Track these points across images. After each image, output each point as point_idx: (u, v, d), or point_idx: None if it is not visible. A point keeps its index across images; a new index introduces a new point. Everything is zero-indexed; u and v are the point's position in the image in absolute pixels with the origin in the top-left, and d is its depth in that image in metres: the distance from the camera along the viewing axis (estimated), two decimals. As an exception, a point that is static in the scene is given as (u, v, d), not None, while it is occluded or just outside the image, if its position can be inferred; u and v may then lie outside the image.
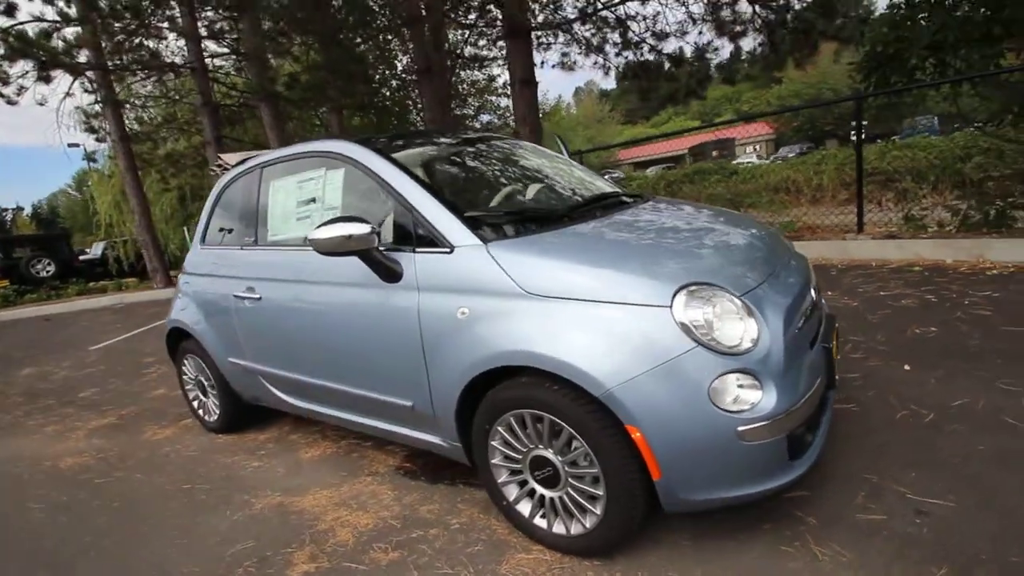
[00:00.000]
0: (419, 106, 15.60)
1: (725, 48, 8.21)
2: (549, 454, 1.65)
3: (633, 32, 8.34)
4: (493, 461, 1.80)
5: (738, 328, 1.47)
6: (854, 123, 4.44)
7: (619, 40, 8.47)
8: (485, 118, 15.34)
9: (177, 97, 11.22)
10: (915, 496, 1.73)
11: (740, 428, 1.40)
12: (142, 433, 3.37)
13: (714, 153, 24.86)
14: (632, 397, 1.42)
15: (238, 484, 2.51)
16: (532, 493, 1.75)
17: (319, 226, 1.84)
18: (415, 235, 1.87)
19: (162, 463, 2.87)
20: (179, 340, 3.16)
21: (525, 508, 1.77)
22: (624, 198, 2.31)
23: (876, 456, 1.96)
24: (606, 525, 1.58)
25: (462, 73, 12.67)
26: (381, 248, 1.87)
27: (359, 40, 9.64)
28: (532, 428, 1.66)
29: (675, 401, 1.41)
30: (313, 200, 2.29)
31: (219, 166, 3.00)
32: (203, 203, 3.14)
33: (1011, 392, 2.24)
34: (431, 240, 1.83)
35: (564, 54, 8.68)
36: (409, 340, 1.86)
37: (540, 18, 8.60)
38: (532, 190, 2.30)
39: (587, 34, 8.50)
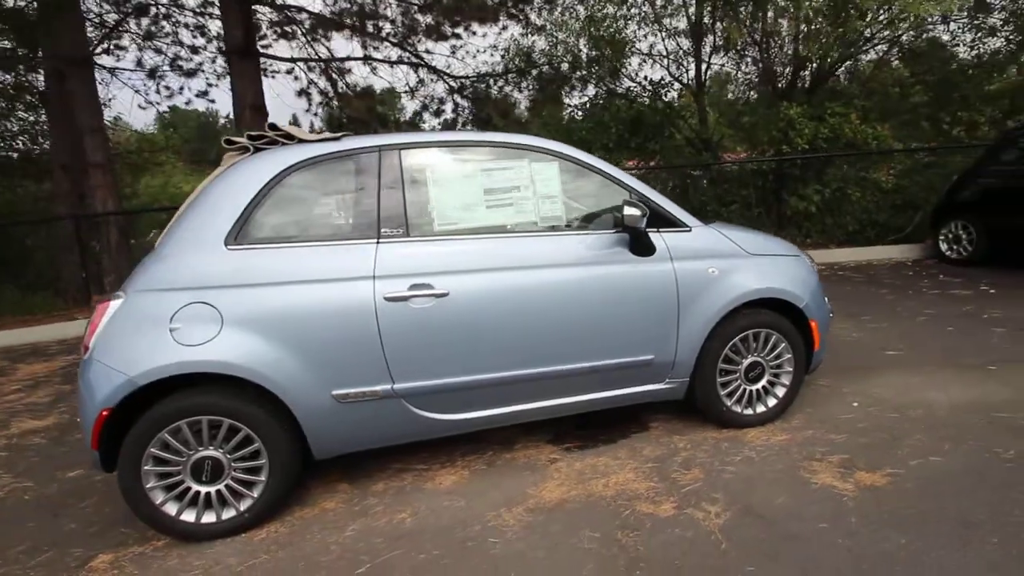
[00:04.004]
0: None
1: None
2: (759, 358, 2.56)
3: (345, 86, 8.79)
4: (719, 380, 2.51)
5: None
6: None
7: (331, 90, 8.72)
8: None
9: None
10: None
11: (831, 315, 2.79)
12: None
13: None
14: (811, 304, 2.57)
15: (436, 530, 2.00)
16: (742, 396, 2.57)
17: (627, 207, 2.16)
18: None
19: (238, 585, 1.77)
20: (144, 405, 1.94)
21: (737, 407, 2.57)
22: None
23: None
24: (787, 397, 2.62)
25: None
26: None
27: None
28: (753, 343, 2.53)
29: (821, 302, 2.66)
30: (516, 188, 2.29)
31: (255, 136, 2.13)
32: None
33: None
34: (670, 222, 2.42)
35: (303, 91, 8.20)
36: (666, 300, 2.36)
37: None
38: None
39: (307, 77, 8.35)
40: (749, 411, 2.59)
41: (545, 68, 8.30)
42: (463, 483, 2.33)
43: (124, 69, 8.47)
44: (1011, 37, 7.54)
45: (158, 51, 8.61)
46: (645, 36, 8.70)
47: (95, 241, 7.05)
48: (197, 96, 9.27)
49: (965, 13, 7.12)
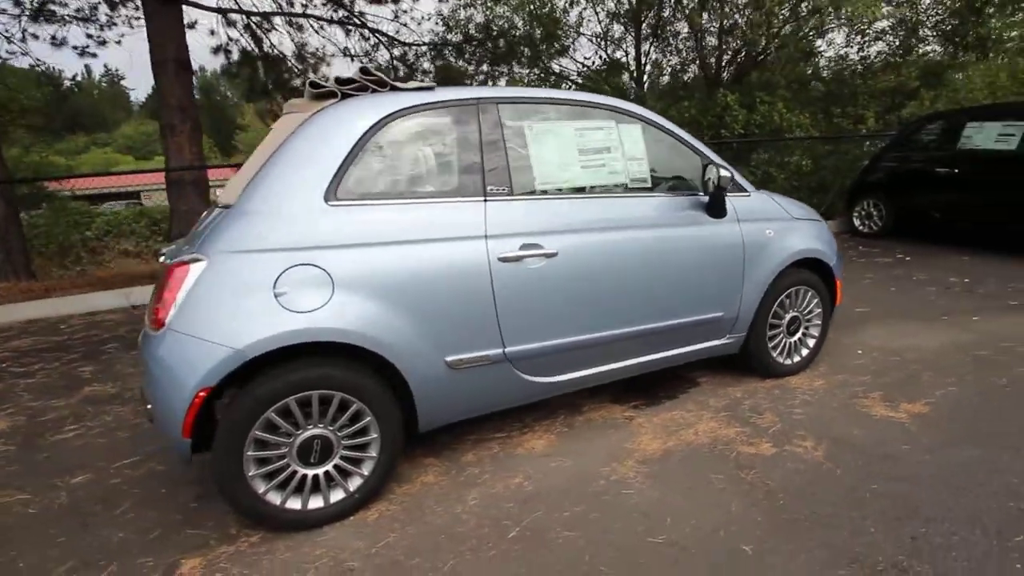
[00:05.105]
0: None
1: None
2: (797, 313, 2.83)
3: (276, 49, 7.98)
4: (769, 334, 2.74)
5: None
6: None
7: (255, 49, 7.89)
8: None
9: None
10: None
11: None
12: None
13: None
14: (837, 263, 2.89)
15: (561, 490, 2.00)
16: (783, 348, 2.83)
17: (721, 169, 2.27)
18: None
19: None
20: (241, 380, 1.71)
21: (780, 358, 2.82)
22: None
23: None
24: (816, 347, 2.93)
25: None
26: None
27: None
28: (794, 299, 2.78)
29: (840, 262, 2.99)
30: (607, 149, 2.29)
31: (344, 81, 1.90)
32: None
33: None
34: (734, 187, 2.57)
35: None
36: (735, 259, 2.52)
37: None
38: None
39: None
40: (789, 361, 2.86)
41: (500, 41, 8.17)
42: (555, 445, 2.33)
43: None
44: (892, 43, 8.85)
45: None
46: (584, 18, 8.88)
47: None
48: (86, 49, 7.88)
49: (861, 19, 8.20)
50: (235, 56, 8.02)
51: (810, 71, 9.50)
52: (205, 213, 2.27)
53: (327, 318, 1.74)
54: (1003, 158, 5.03)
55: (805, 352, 2.91)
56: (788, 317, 2.81)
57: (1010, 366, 2.80)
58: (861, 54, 9.29)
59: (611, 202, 2.28)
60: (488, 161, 2.06)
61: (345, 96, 1.98)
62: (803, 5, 6.26)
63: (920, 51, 8.77)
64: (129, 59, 8.76)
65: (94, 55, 8.63)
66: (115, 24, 8.55)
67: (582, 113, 2.30)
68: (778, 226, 2.68)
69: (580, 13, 8.71)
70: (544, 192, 2.16)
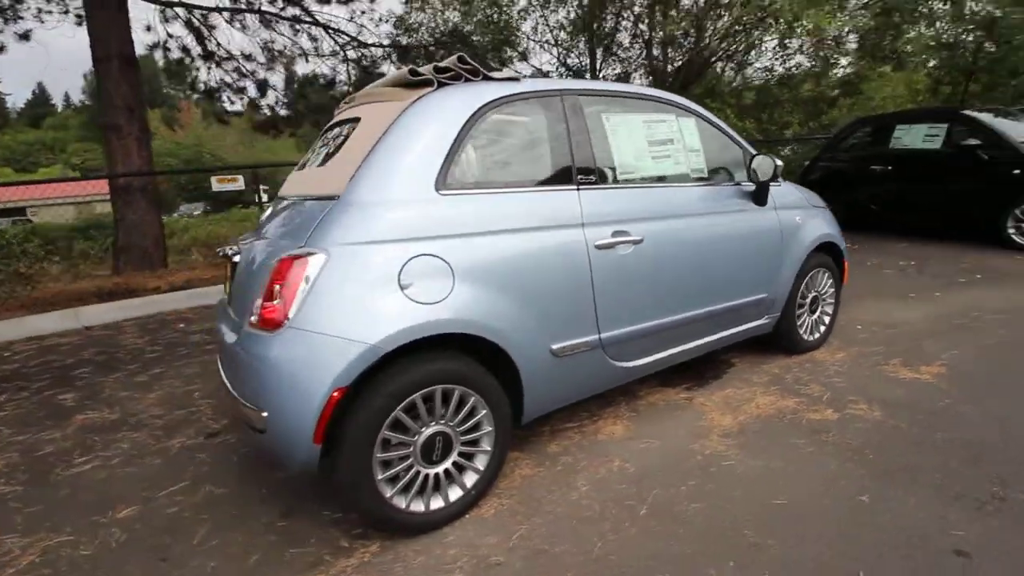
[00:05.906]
0: None
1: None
2: (818, 292, 3.08)
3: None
4: (797, 312, 2.97)
5: None
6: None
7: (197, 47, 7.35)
8: None
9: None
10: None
11: (840, 257, 3.47)
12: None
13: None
14: (840, 242, 3.19)
15: (664, 468, 2.05)
16: (807, 325, 3.06)
17: (776, 159, 2.44)
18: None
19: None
20: (367, 376, 1.62)
21: (805, 335, 3.06)
22: None
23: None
24: (831, 323, 3.21)
25: None
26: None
27: None
28: (818, 279, 3.04)
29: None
30: (671, 141, 2.39)
31: (440, 69, 1.85)
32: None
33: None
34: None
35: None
36: (776, 244, 2.72)
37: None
38: None
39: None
40: (811, 338, 3.11)
41: (465, 45, 8.16)
42: (632, 429, 2.39)
43: None
44: (813, 55, 9.84)
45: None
46: (538, 25, 9.10)
47: None
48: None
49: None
50: (174, 54, 7.43)
51: (741, 81, 10.31)
52: (271, 208, 2.12)
53: (453, 309, 1.69)
54: (929, 155, 5.75)
55: (823, 329, 3.18)
56: (811, 297, 3.06)
57: (989, 330, 3.22)
58: (785, 66, 10.24)
59: (679, 191, 2.39)
60: (576, 150, 2.09)
61: (441, 85, 1.94)
62: (769, 8, 6.75)
63: (839, 63, 9.83)
64: (46, 55, 7.84)
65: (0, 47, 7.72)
66: (21, 17, 7.68)
67: (647, 106, 2.40)
68: (803, 213, 2.92)
69: (536, 19, 8.93)
70: (625, 181, 2.23)
